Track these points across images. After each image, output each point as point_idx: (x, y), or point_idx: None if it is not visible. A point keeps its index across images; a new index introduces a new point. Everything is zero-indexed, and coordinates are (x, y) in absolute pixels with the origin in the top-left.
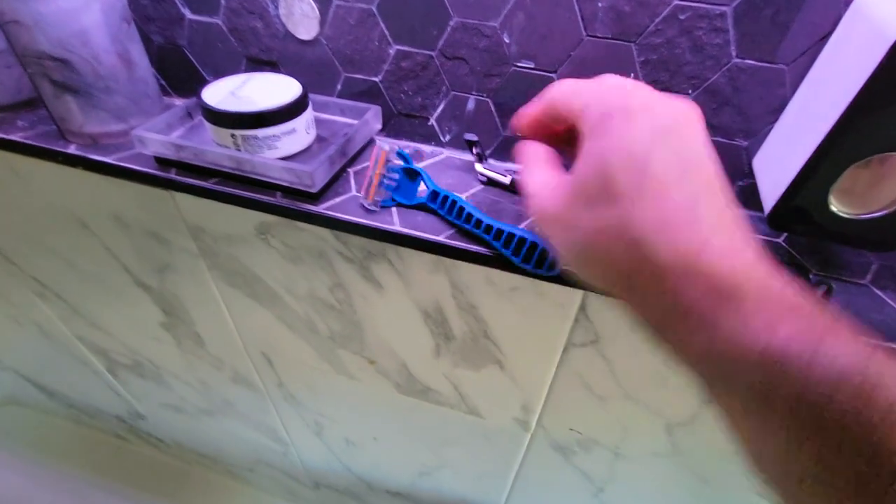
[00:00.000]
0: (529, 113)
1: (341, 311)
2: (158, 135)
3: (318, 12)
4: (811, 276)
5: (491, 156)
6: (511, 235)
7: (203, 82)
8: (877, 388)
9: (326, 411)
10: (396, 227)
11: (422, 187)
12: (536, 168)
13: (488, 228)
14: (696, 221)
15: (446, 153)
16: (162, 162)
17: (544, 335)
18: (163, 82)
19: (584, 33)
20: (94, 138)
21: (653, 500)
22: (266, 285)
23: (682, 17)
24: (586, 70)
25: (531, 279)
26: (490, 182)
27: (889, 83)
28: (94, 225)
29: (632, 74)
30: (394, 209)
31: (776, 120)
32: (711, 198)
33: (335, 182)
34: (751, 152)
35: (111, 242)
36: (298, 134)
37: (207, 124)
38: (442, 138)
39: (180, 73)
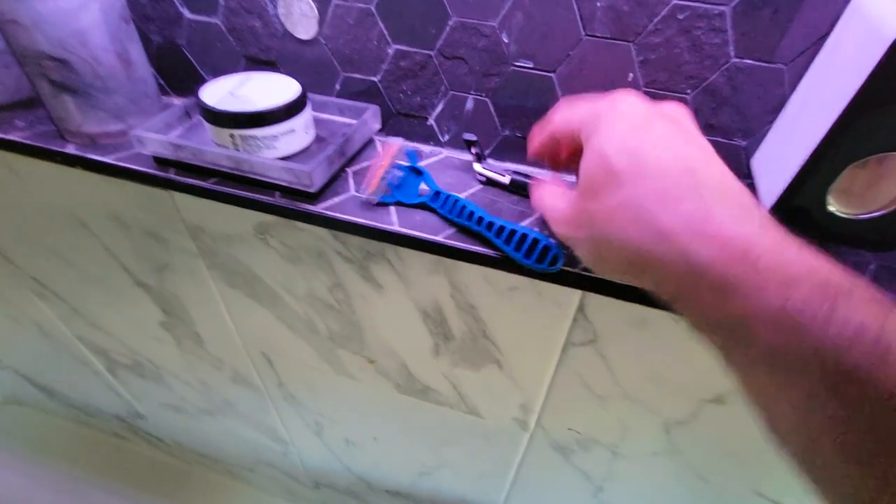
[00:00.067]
0: (536, 140)
1: (341, 311)
2: (157, 135)
3: (316, 12)
4: None
5: (490, 155)
6: (513, 232)
7: (202, 82)
8: (892, 345)
9: (326, 411)
10: (395, 227)
11: (423, 187)
12: (547, 189)
13: (490, 225)
14: (696, 189)
15: (445, 153)
16: (161, 162)
17: (543, 335)
18: (161, 82)
19: (583, 33)
20: (93, 138)
21: (652, 498)
22: (265, 285)
23: (680, 16)
24: (585, 69)
25: (530, 279)
26: (489, 182)
27: (887, 83)
28: (94, 225)
29: (631, 74)
30: (392, 209)
31: (775, 120)
32: (709, 168)
33: (334, 182)
34: (749, 152)
35: (110, 242)
36: (297, 134)
37: (206, 124)
38: (441, 138)
39: (179, 73)
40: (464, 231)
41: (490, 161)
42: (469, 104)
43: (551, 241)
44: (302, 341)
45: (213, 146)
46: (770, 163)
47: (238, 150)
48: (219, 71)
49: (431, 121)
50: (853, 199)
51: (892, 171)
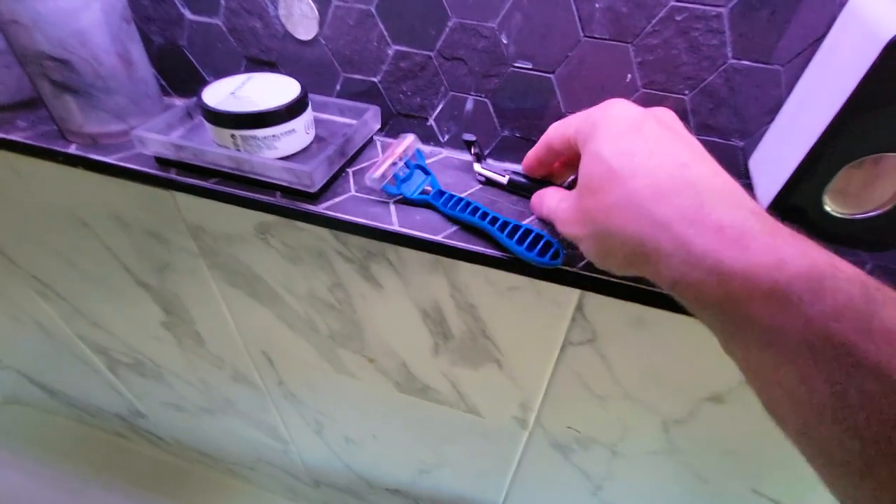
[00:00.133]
0: (532, 156)
1: (341, 310)
2: (158, 135)
3: (317, 13)
4: None
5: (489, 155)
6: (516, 228)
7: (203, 82)
8: (877, 317)
9: (326, 410)
10: (396, 226)
11: (426, 187)
12: (547, 192)
13: (494, 220)
14: (688, 183)
15: (445, 153)
16: (162, 162)
17: (542, 334)
18: (163, 82)
19: (582, 34)
20: (95, 138)
21: (651, 497)
22: (266, 284)
23: (678, 18)
24: (584, 70)
25: (529, 279)
26: (488, 182)
27: (882, 84)
28: (95, 224)
29: (629, 75)
30: (392, 208)
31: (772, 120)
32: (700, 164)
33: (334, 182)
34: (747, 152)
35: (112, 242)
36: (298, 134)
37: (207, 124)
38: (440, 138)
39: (180, 74)
40: (466, 228)
41: (490, 161)
42: (469, 105)
43: (552, 237)
44: (302, 340)
45: (214, 146)
46: (767, 163)
47: (239, 150)
48: (220, 71)
49: (431, 121)
50: (849, 199)
51: (887, 171)
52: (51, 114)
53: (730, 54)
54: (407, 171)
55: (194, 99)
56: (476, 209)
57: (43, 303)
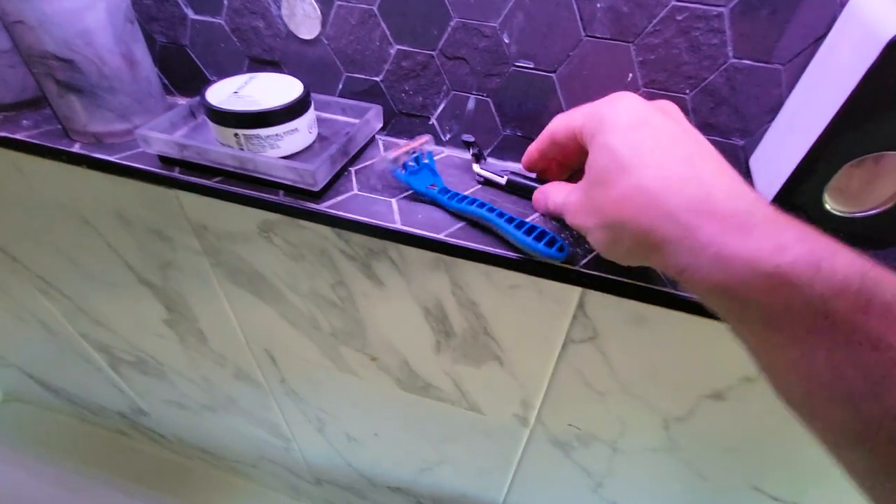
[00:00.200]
0: (534, 148)
1: (343, 308)
2: (162, 134)
3: (319, 12)
4: None
5: (491, 154)
6: (522, 223)
7: (206, 82)
8: (874, 294)
9: (328, 407)
10: (398, 225)
11: (431, 186)
12: (553, 190)
13: (500, 214)
14: (695, 174)
15: (447, 152)
16: (165, 161)
17: (543, 332)
18: (166, 82)
19: (583, 33)
20: (98, 137)
21: (651, 494)
22: (269, 283)
23: (679, 17)
24: (585, 70)
25: (530, 277)
26: (487, 182)
27: (882, 84)
28: (98, 223)
29: (630, 74)
30: (395, 205)
31: (772, 119)
32: (705, 156)
33: (337, 181)
34: (748, 151)
35: (115, 240)
36: (301, 133)
37: (211, 123)
38: (442, 137)
39: (183, 73)
40: (472, 224)
41: (490, 161)
42: (470, 104)
43: (556, 234)
44: (305, 338)
45: (217, 145)
46: (768, 162)
47: (242, 149)
48: (222, 71)
49: (433, 120)
50: (849, 197)
51: (887, 169)
52: (55, 113)
53: (730, 54)
54: (416, 166)
55: (197, 98)
56: (482, 204)
57: (45, 300)
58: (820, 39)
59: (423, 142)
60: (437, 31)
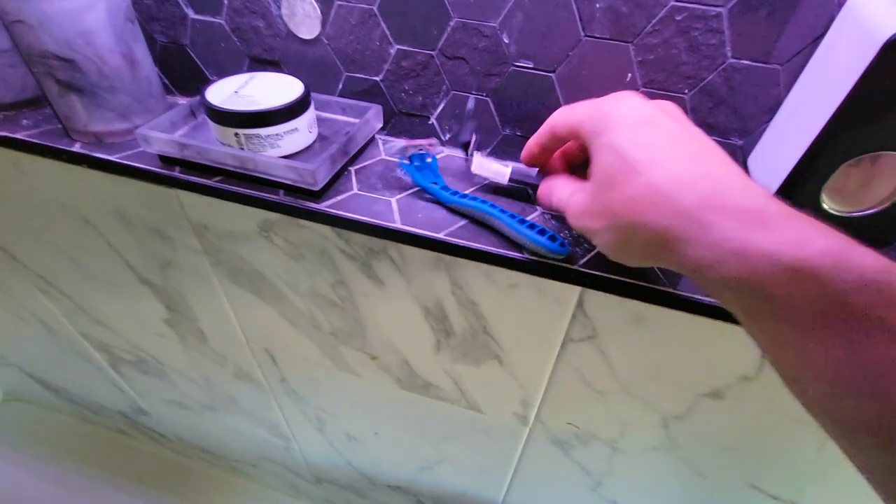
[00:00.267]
0: (534, 142)
1: (343, 307)
2: (162, 133)
3: (319, 12)
4: None
5: (491, 154)
6: (523, 220)
7: (206, 81)
8: None
9: (328, 407)
10: (398, 224)
11: (432, 183)
12: (558, 186)
13: (502, 211)
14: (706, 172)
15: (446, 151)
16: (166, 160)
17: (543, 331)
18: (166, 81)
19: (583, 33)
20: (99, 137)
21: (650, 493)
22: (269, 282)
23: (678, 17)
24: (585, 70)
25: (530, 276)
26: (487, 186)
27: (879, 83)
28: (98, 222)
29: (629, 74)
30: (395, 205)
31: (770, 119)
32: (712, 154)
33: (337, 180)
34: (746, 151)
35: (115, 240)
36: (301, 133)
37: (211, 123)
38: (442, 137)
39: (184, 73)
40: (472, 221)
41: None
42: (470, 104)
43: (556, 233)
44: (305, 337)
45: (217, 145)
46: (766, 161)
47: (242, 148)
48: (223, 71)
49: (433, 120)
50: (847, 197)
51: (885, 169)
52: (55, 112)
53: (729, 54)
54: (421, 163)
55: (198, 98)
56: (484, 200)
57: (45, 300)
58: (818, 39)
59: (430, 143)
60: (436, 30)
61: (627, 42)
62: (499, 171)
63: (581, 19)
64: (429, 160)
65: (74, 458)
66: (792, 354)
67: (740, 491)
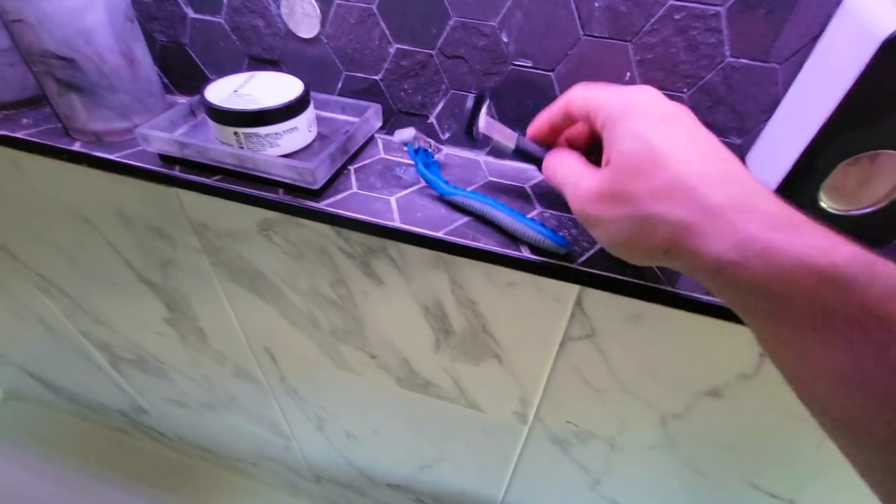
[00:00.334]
0: (544, 118)
1: (343, 306)
2: (162, 132)
3: (318, 11)
4: None
5: (490, 154)
6: (523, 216)
7: (206, 80)
8: None
9: (328, 405)
10: (397, 223)
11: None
12: (567, 161)
13: (503, 205)
14: (734, 172)
15: (446, 150)
16: (166, 159)
17: (542, 330)
18: (166, 81)
19: (581, 32)
20: (99, 136)
21: (649, 491)
22: (268, 281)
23: (677, 17)
24: (584, 69)
25: (529, 274)
26: (493, 149)
27: (877, 82)
28: (98, 221)
29: (628, 73)
30: (394, 204)
31: (769, 118)
32: (735, 160)
33: (336, 179)
34: (744, 150)
35: (115, 239)
36: (300, 132)
37: (210, 122)
38: (441, 136)
39: (183, 72)
40: (473, 216)
41: (489, 159)
42: (469, 103)
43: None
44: (304, 336)
45: (217, 144)
46: (764, 160)
47: (242, 147)
48: (222, 70)
49: (432, 119)
50: (845, 195)
51: (883, 168)
52: (55, 111)
53: (728, 53)
54: (426, 158)
55: (197, 97)
56: (485, 196)
57: (46, 299)
58: (816, 38)
59: (434, 143)
60: (436, 29)
61: (626, 41)
62: (507, 133)
63: (580, 18)
64: (433, 159)
65: (75, 457)
66: (812, 361)
67: (739, 489)
